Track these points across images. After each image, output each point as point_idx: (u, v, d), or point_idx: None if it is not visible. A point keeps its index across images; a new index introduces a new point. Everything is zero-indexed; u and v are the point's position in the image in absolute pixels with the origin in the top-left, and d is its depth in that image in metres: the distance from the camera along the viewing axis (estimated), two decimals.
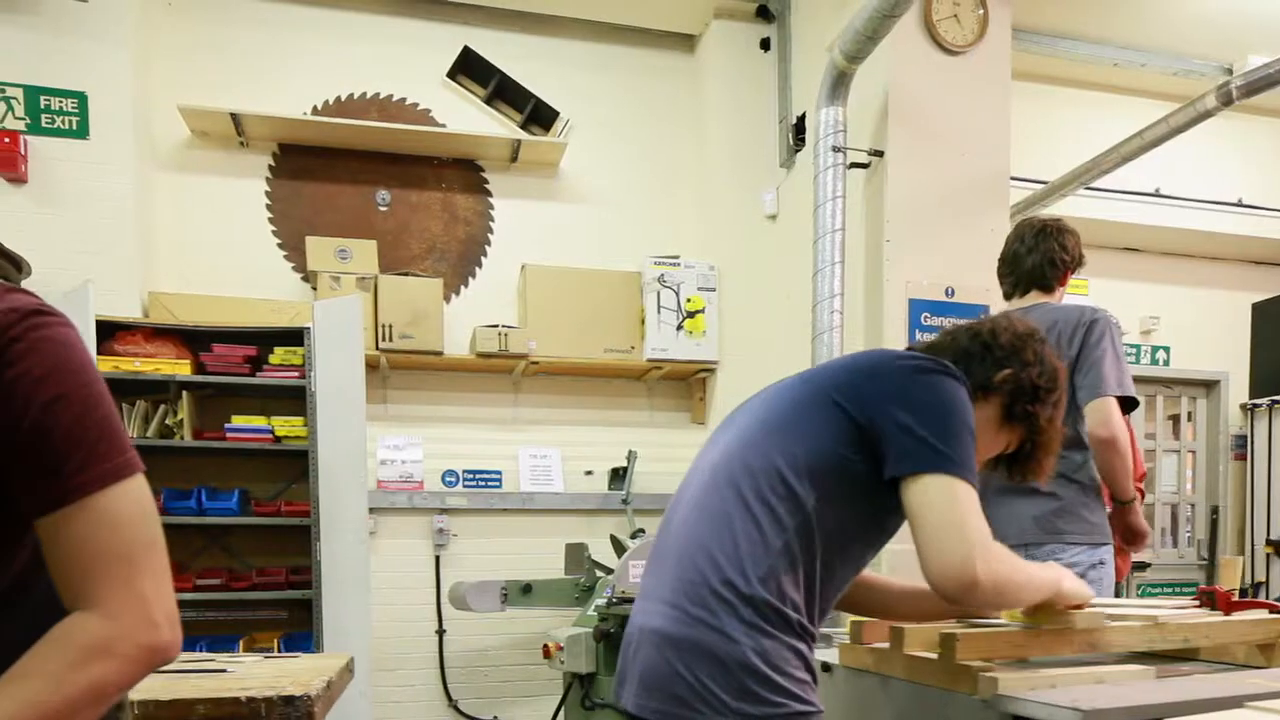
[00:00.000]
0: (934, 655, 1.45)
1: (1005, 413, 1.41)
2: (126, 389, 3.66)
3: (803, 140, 4.39)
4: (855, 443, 1.27)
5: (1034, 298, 2.68)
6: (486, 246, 4.72)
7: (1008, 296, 2.73)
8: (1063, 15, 4.42)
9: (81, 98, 3.91)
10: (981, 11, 3.68)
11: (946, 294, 3.77)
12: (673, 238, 4.86)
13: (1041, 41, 4.56)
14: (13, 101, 3.84)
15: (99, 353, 3.51)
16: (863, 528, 1.33)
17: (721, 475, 1.34)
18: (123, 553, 0.84)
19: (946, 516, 1.20)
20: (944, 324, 3.79)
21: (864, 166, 3.76)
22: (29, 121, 3.86)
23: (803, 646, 1.27)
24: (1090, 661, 1.53)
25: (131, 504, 0.85)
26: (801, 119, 4.41)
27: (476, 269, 4.71)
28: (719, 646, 1.23)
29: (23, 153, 3.82)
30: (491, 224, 4.72)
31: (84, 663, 0.81)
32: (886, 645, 1.58)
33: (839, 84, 3.59)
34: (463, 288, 4.69)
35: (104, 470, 0.83)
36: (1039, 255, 2.66)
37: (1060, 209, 4.58)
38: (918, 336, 3.76)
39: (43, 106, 3.87)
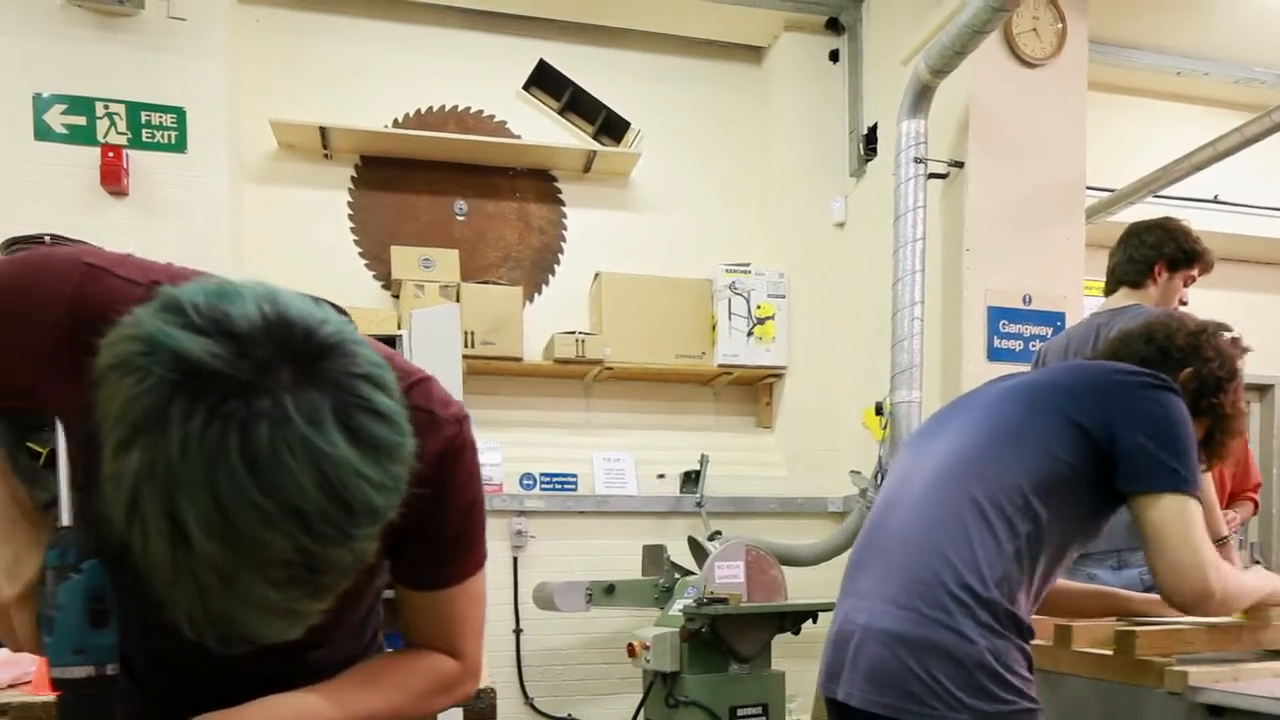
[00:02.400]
0: (1107, 651, 1.54)
1: (1192, 410, 1.48)
2: None
3: (874, 150, 4.48)
4: (1086, 455, 1.36)
5: (1123, 295, 2.70)
6: (559, 254, 4.83)
7: (1105, 295, 2.81)
8: (1134, 27, 4.48)
9: (180, 112, 4.04)
10: (1060, 26, 3.76)
11: (1024, 301, 3.85)
12: (740, 245, 4.96)
13: (1105, 51, 4.62)
14: (115, 117, 3.97)
15: None
16: (1082, 533, 1.42)
17: (951, 482, 1.42)
18: (477, 621, 1.06)
19: (1183, 536, 1.33)
20: (1021, 331, 3.88)
21: (942, 177, 3.84)
22: (130, 136, 3.99)
23: (1027, 647, 1.37)
24: (1233, 659, 1.60)
25: (483, 582, 1.05)
26: (873, 129, 4.49)
27: (550, 276, 4.82)
28: (956, 646, 1.31)
29: (125, 166, 3.95)
30: (564, 232, 4.83)
31: (435, 693, 1.02)
32: (1048, 642, 1.67)
33: (921, 97, 3.67)
34: (536, 295, 4.80)
35: (479, 559, 1.03)
36: (1120, 255, 2.72)
37: (1125, 216, 4.64)
38: (996, 344, 3.84)
39: (143, 122, 4.00)
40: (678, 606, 3.94)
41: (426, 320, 3.80)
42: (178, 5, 3.99)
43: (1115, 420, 1.37)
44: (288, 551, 0.64)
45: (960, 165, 3.77)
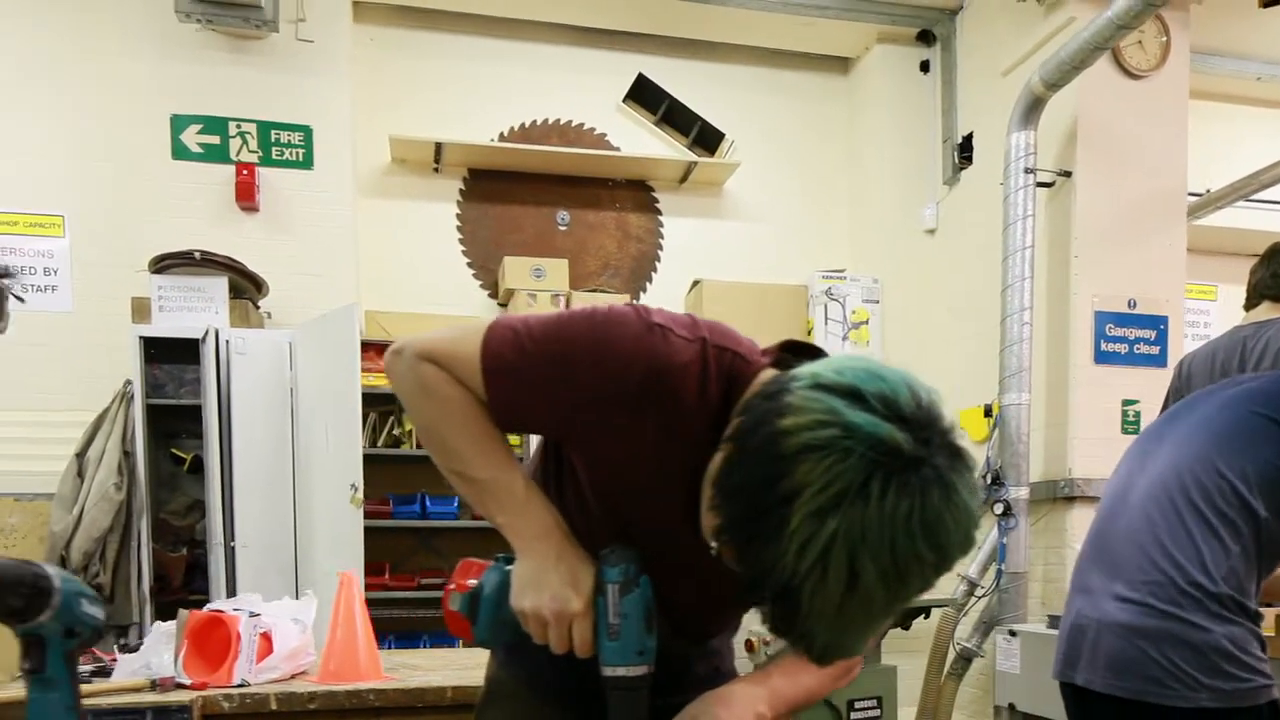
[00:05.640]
0: None
1: None
2: (364, 401, 3.93)
3: (968, 158, 4.61)
4: None
5: (1266, 309, 2.83)
6: (656, 262, 4.97)
7: (1245, 309, 2.92)
8: (1223, 36, 4.59)
9: (307, 131, 4.20)
10: (1165, 39, 3.88)
11: (1129, 306, 3.97)
12: (831, 251, 5.09)
13: (1191, 58, 4.73)
14: (247, 136, 4.14)
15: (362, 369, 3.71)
16: None
17: (1173, 486, 1.57)
18: None
19: None
20: (1126, 334, 4.00)
21: (1049, 186, 3.97)
22: (261, 154, 4.16)
23: (1258, 630, 1.51)
24: None
25: None
26: (968, 138, 4.62)
27: (647, 284, 4.97)
28: (1192, 635, 1.47)
29: (256, 183, 4.11)
30: (661, 241, 4.98)
31: (840, 676, 1.16)
32: (1270, 632, 1.80)
33: (1033, 109, 3.79)
34: (634, 302, 4.93)
35: None
36: (1263, 271, 2.84)
37: (1212, 221, 4.76)
38: (1103, 347, 3.96)
39: (273, 140, 4.16)
40: None
41: None
42: (305, 27, 4.15)
43: None
44: (917, 590, 0.79)
45: (1068, 175, 3.90)
